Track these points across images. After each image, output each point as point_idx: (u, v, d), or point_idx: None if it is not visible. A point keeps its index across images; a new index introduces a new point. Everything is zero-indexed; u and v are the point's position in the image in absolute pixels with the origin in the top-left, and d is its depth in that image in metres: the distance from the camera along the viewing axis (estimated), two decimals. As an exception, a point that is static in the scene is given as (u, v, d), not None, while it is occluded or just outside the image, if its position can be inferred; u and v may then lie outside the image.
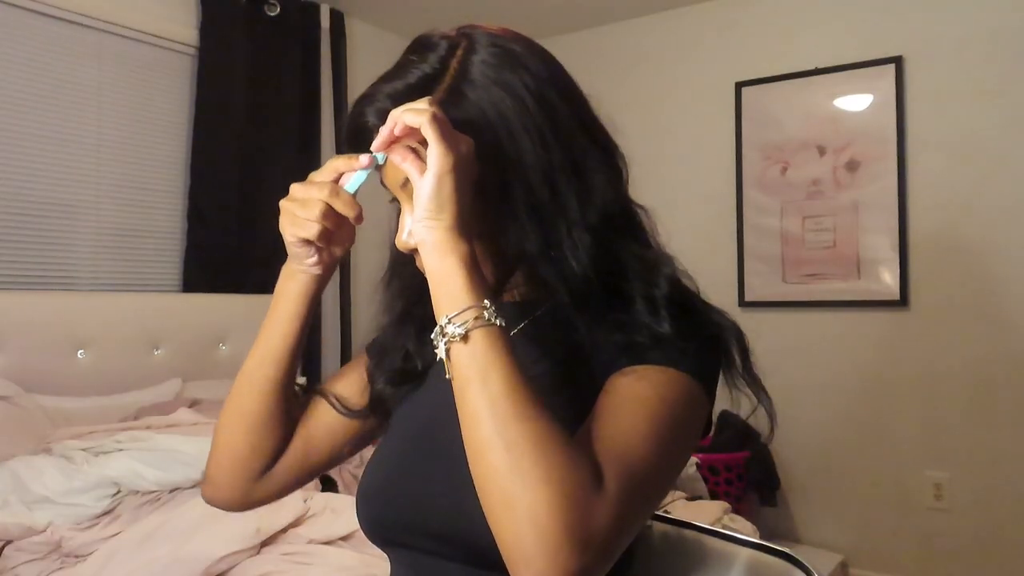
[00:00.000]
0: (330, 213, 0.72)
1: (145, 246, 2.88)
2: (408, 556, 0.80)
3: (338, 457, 0.91)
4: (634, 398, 0.68)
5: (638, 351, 0.71)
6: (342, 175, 0.72)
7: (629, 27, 3.69)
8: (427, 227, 0.65)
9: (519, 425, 0.60)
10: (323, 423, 0.89)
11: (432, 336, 0.65)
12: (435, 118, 0.64)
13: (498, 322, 0.63)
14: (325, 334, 3.31)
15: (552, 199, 0.72)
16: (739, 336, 0.75)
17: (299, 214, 0.72)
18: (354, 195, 0.72)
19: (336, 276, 3.36)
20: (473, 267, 0.65)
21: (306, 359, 3.21)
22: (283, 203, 0.74)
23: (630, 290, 0.74)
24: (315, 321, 3.21)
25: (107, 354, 2.55)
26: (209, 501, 0.89)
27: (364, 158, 0.69)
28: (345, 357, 3.38)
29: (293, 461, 0.87)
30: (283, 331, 0.82)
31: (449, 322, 0.63)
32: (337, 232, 0.75)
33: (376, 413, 0.89)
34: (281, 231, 0.75)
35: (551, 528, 0.57)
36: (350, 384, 0.91)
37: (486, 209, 0.72)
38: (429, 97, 0.67)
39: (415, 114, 0.64)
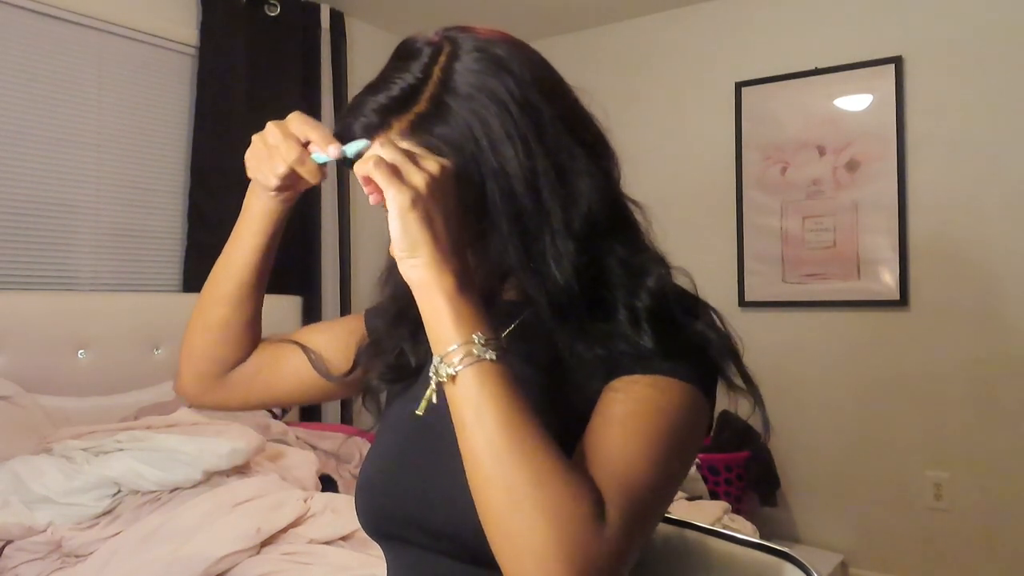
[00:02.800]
0: (293, 173, 0.75)
1: (145, 246, 2.88)
2: (405, 551, 0.80)
3: (300, 399, 0.96)
4: (631, 414, 0.68)
5: (632, 362, 0.71)
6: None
7: (629, 27, 3.69)
8: (408, 266, 0.65)
9: (517, 463, 0.60)
10: (293, 365, 0.92)
11: (429, 373, 0.65)
12: (379, 163, 0.64)
13: (488, 356, 0.63)
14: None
15: (536, 208, 0.71)
16: (728, 348, 0.74)
17: (265, 161, 0.76)
18: (321, 164, 0.75)
19: (336, 278, 3.37)
20: (460, 298, 0.65)
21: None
22: (255, 139, 0.77)
23: (613, 300, 0.73)
24: (315, 322, 3.23)
25: (107, 354, 2.55)
26: (175, 391, 0.96)
27: (333, 150, 0.72)
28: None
29: (254, 382, 0.92)
30: (246, 245, 0.85)
31: (441, 361, 0.64)
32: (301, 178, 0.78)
33: (369, 407, 0.91)
34: (245, 162, 0.78)
35: (555, 566, 0.58)
36: (335, 342, 0.93)
37: (471, 220, 0.71)
38: (381, 138, 0.68)
39: (363, 163, 0.65)
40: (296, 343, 0.93)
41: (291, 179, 0.76)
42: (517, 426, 0.61)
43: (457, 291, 0.65)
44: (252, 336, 0.91)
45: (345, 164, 0.74)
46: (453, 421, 0.64)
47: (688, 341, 0.73)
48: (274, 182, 0.76)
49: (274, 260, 0.88)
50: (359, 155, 0.71)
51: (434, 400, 0.65)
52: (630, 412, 0.68)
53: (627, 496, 0.62)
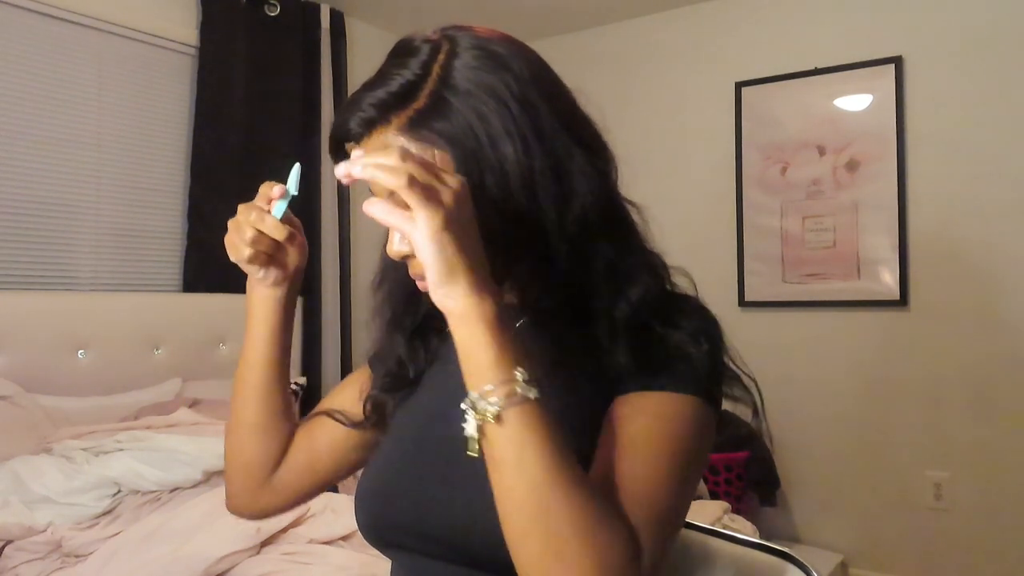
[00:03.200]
0: (262, 237, 0.76)
1: (145, 246, 2.88)
2: (406, 558, 0.80)
3: (346, 468, 0.93)
4: (648, 441, 0.67)
5: (632, 376, 0.70)
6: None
7: (629, 27, 3.69)
8: (444, 295, 0.60)
9: (560, 509, 0.59)
10: (326, 435, 0.91)
11: (462, 406, 0.61)
12: (414, 183, 0.58)
13: (532, 395, 0.60)
14: (325, 337, 3.31)
15: (531, 207, 0.70)
16: (713, 361, 0.73)
17: (235, 237, 0.77)
18: (281, 218, 0.77)
19: (336, 278, 3.36)
20: (500, 328, 0.61)
21: (306, 361, 3.21)
22: (229, 222, 0.78)
23: (596, 305, 0.73)
24: (315, 322, 3.23)
25: (107, 354, 2.55)
26: (231, 511, 0.94)
27: (277, 189, 0.75)
28: (345, 359, 3.38)
29: (299, 472, 0.90)
30: (257, 337, 0.86)
31: (480, 398, 0.60)
32: (284, 249, 0.80)
33: (372, 420, 0.89)
34: (226, 248, 0.79)
35: None
36: (352, 396, 0.92)
37: None
38: (400, 149, 0.60)
39: (391, 175, 0.58)
40: (319, 414, 0.92)
41: (265, 245, 0.78)
42: (561, 470, 0.60)
43: (497, 320, 0.61)
44: (288, 426, 0.90)
45: (293, 198, 0.77)
46: (488, 460, 0.61)
47: (667, 355, 0.71)
48: (247, 251, 0.77)
49: (290, 348, 0.88)
50: (299, 182, 0.77)
51: (475, 435, 0.61)
52: (646, 439, 0.68)
53: (657, 529, 0.63)
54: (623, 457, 0.67)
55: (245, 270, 0.82)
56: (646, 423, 0.68)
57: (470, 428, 0.61)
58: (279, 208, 0.76)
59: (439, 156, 0.69)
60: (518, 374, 0.60)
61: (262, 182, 0.80)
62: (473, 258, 0.60)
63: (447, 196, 0.59)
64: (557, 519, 0.59)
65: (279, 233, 0.76)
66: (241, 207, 0.78)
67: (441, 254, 0.59)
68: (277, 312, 0.85)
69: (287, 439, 0.90)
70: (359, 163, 0.60)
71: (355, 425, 0.90)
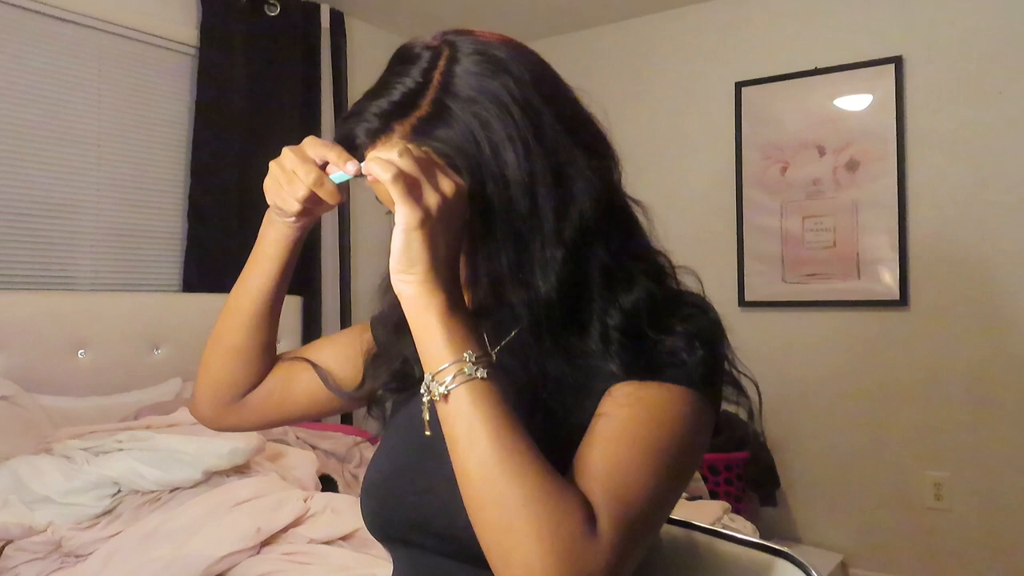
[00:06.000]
0: (313, 196, 0.73)
1: (145, 246, 2.88)
2: (409, 553, 0.81)
3: (312, 416, 0.96)
4: (625, 423, 0.67)
5: (634, 368, 0.70)
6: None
7: (629, 27, 3.69)
8: (401, 280, 0.65)
9: (508, 482, 0.61)
10: (306, 384, 0.93)
11: (421, 391, 0.65)
12: (399, 177, 0.62)
13: (480, 374, 0.63)
14: (325, 333, 3.31)
15: (530, 212, 0.70)
16: (708, 367, 0.71)
17: (284, 187, 0.74)
18: (339, 184, 0.73)
19: (336, 277, 3.37)
20: (451, 316, 0.65)
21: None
22: (272, 166, 0.75)
23: (589, 313, 0.73)
24: (315, 322, 3.23)
25: (107, 354, 2.55)
26: (192, 415, 0.97)
27: (352, 167, 0.70)
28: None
29: (268, 402, 0.92)
30: (262, 271, 0.86)
31: (433, 379, 0.64)
32: (320, 203, 0.76)
33: (375, 414, 0.90)
34: (264, 190, 0.77)
35: None
36: (343, 356, 0.93)
37: (472, 226, 0.71)
38: (402, 144, 0.64)
39: (382, 168, 0.62)
40: (306, 360, 0.93)
41: (311, 202, 0.74)
42: (508, 444, 0.62)
43: (448, 309, 0.65)
44: (268, 360, 0.92)
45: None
46: (445, 438, 0.64)
47: (660, 359, 0.71)
48: (295, 207, 0.74)
49: (288, 284, 0.88)
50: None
51: (427, 417, 0.66)
52: (624, 421, 0.67)
53: (619, 506, 0.62)
54: (598, 441, 0.66)
55: (276, 214, 0.80)
56: (628, 411, 0.68)
57: (425, 413, 0.65)
58: (341, 176, 0.72)
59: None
60: (467, 355, 0.64)
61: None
62: (437, 256, 0.65)
63: (431, 198, 0.63)
64: (506, 490, 0.60)
65: (333, 200, 0.73)
66: (291, 154, 0.73)
67: (407, 247, 0.64)
68: (291, 252, 0.85)
69: (264, 372, 0.92)
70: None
71: (335, 391, 0.91)
